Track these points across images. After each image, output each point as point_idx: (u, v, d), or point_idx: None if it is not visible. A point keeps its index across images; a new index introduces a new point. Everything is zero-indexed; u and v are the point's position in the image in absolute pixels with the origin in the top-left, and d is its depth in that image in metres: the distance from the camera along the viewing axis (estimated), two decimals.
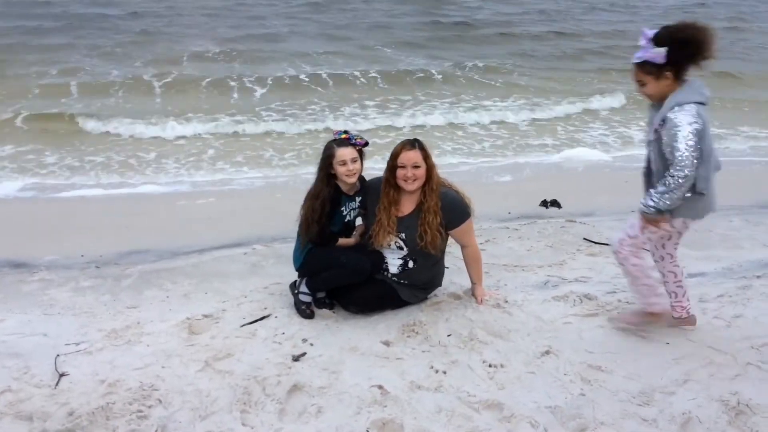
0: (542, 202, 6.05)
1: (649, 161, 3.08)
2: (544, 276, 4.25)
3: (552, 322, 3.55)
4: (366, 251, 3.63)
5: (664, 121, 2.82)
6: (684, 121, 2.74)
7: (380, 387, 2.94)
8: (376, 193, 3.60)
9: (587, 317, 3.62)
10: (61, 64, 12.44)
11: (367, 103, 10.69)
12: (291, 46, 15.10)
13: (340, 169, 3.47)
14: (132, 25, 16.69)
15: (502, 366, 3.12)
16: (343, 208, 3.63)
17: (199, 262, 4.61)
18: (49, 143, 8.29)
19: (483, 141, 9.04)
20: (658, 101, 2.91)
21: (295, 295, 3.74)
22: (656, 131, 2.89)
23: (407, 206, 3.57)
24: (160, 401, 2.83)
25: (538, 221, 5.51)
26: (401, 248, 3.57)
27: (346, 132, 3.55)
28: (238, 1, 21.68)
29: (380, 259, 3.62)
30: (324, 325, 3.57)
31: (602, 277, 4.23)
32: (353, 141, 3.50)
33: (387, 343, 3.35)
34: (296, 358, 3.19)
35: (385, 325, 3.55)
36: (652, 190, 2.93)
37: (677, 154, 2.74)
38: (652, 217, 2.94)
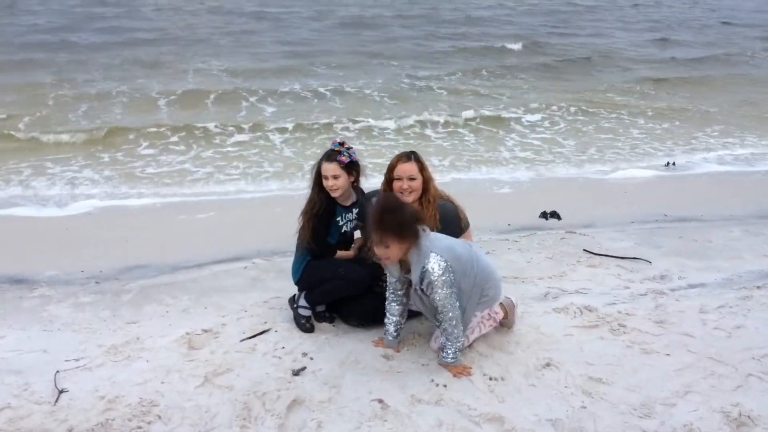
0: (542, 213, 6.06)
1: None
2: (545, 288, 4.25)
3: (552, 334, 3.55)
4: (365, 264, 3.63)
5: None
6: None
7: (380, 401, 2.93)
8: None
9: (588, 329, 3.62)
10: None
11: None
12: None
13: (323, 183, 3.49)
14: (147, 50, 16.30)
15: (502, 379, 3.12)
16: (339, 219, 3.63)
17: (198, 276, 4.61)
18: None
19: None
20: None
21: (294, 309, 3.73)
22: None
23: None
24: (160, 417, 2.82)
25: (538, 233, 5.51)
26: None
27: (341, 144, 3.53)
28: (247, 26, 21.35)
29: (379, 272, 3.62)
30: (324, 339, 3.57)
31: (602, 289, 4.23)
32: (338, 158, 3.47)
33: (387, 357, 3.35)
34: (296, 373, 3.19)
35: None
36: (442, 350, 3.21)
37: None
38: (459, 365, 3.19)
